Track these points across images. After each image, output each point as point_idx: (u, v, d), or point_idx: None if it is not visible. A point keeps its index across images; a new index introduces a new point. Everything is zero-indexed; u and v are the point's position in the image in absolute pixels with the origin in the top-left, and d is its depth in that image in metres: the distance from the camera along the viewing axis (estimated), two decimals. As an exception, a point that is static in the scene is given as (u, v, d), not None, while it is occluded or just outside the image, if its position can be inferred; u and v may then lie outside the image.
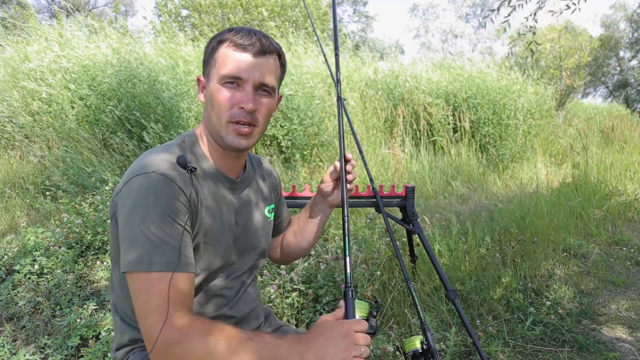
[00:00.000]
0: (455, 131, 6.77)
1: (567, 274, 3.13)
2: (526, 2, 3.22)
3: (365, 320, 0.96)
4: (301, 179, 4.66)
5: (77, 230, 3.13)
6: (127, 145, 4.59)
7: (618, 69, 23.62)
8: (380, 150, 5.73)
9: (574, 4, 3.02)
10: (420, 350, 1.10)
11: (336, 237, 3.18)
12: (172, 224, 0.92)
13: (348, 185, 1.25)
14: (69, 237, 3.10)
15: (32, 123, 4.95)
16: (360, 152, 1.64)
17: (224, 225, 1.09)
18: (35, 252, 2.93)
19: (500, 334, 2.37)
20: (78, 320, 2.27)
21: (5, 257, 3.04)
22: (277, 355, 0.88)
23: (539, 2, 3.19)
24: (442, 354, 2.10)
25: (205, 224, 1.03)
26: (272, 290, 2.36)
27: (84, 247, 3.10)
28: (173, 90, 4.98)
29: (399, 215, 2.30)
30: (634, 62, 23.11)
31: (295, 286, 2.44)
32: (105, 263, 2.93)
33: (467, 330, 1.65)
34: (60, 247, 2.98)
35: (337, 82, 1.42)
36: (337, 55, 1.44)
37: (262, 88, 1.04)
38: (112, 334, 2.04)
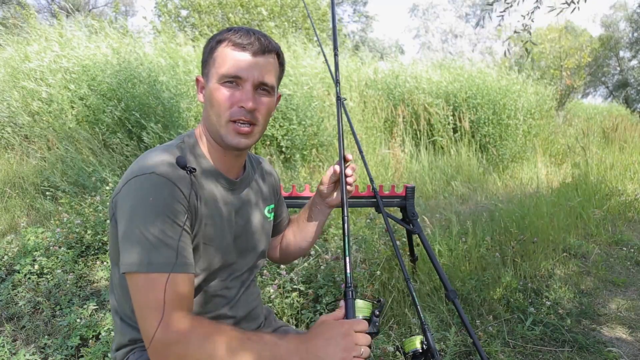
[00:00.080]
0: (455, 131, 6.77)
1: (567, 274, 3.13)
2: (522, 0, 3.22)
3: (368, 320, 0.96)
4: (301, 179, 4.66)
5: (77, 230, 3.13)
6: (127, 145, 4.59)
7: (618, 69, 23.62)
8: (380, 150, 5.73)
9: (573, 2, 3.02)
10: (420, 350, 1.10)
11: (336, 237, 3.18)
12: (171, 225, 0.92)
13: (348, 187, 1.25)
14: (69, 237, 3.10)
15: (32, 123, 4.95)
16: (360, 152, 1.64)
17: (224, 226, 1.09)
18: (35, 252, 2.93)
19: (500, 334, 2.37)
20: (78, 320, 2.27)
21: (5, 257, 3.04)
22: (277, 355, 0.88)
23: (536, 1, 3.19)
24: (442, 354, 2.10)
25: (205, 225, 1.03)
26: (272, 290, 2.36)
27: (84, 247, 3.10)
28: (173, 91, 4.98)
29: (399, 215, 2.30)
30: (634, 62, 23.11)
31: (295, 286, 2.44)
32: (105, 263, 2.93)
33: (467, 330, 1.65)
34: (60, 247, 2.98)
35: (337, 82, 1.42)
36: (336, 55, 1.44)
37: (261, 87, 1.04)
38: (112, 334, 2.04)
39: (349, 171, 1.25)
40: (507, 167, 6.65)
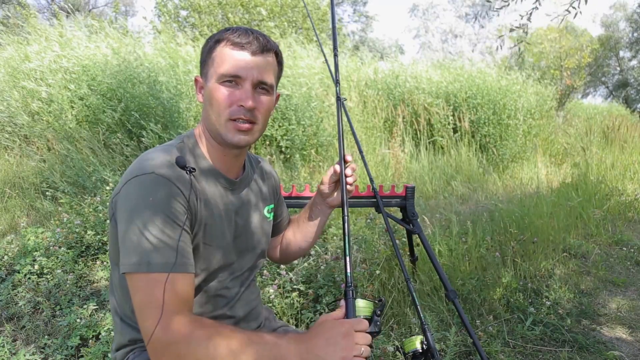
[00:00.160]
0: (455, 131, 6.77)
1: (567, 274, 3.13)
2: (521, 1, 3.22)
3: (370, 319, 0.96)
4: (301, 179, 4.66)
5: (77, 230, 3.13)
6: (127, 145, 4.59)
7: (618, 69, 23.63)
8: (380, 150, 5.74)
9: (573, 7, 3.02)
10: (420, 350, 1.10)
11: (336, 237, 3.18)
12: (170, 225, 0.92)
13: (348, 187, 1.25)
14: (69, 237, 3.10)
15: (31, 123, 4.95)
16: (360, 152, 1.64)
17: (224, 226, 1.09)
18: (35, 252, 2.93)
19: (500, 334, 2.37)
20: (78, 320, 2.27)
21: (5, 257, 3.04)
22: (277, 355, 0.88)
23: (535, 1, 3.19)
24: (442, 354, 2.10)
25: (205, 225, 1.03)
26: (272, 290, 2.36)
27: (84, 247, 3.10)
28: (173, 91, 4.98)
29: (399, 215, 2.30)
30: (634, 62, 23.12)
31: (295, 286, 2.44)
32: (105, 263, 2.93)
33: (467, 330, 1.65)
34: (60, 247, 2.98)
35: (337, 83, 1.42)
36: (336, 55, 1.44)
37: (260, 86, 1.04)
38: (112, 334, 2.04)
39: (348, 171, 1.25)
40: (507, 167, 6.65)
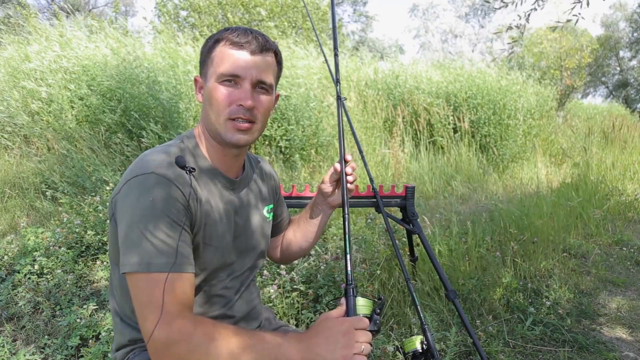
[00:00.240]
0: (455, 131, 6.77)
1: (567, 274, 3.13)
2: (521, 2, 3.22)
3: (369, 318, 0.96)
4: (301, 179, 4.66)
5: (77, 230, 3.13)
6: (127, 145, 4.59)
7: (618, 68, 23.63)
8: (380, 150, 5.74)
9: (574, 15, 3.02)
10: (420, 350, 1.10)
11: (336, 237, 3.18)
12: (170, 225, 0.92)
13: (349, 185, 1.25)
14: (69, 237, 3.10)
15: (31, 123, 4.95)
16: (360, 151, 1.64)
17: (223, 225, 1.09)
18: (35, 252, 2.93)
19: (500, 334, 2.37)
20: (78, 320, 2.26)
21: (5, 257, 3.04)
22: (277, 354, 0.88)
23: (534, 2, 3.20)
24: (442, 354, 2.10)
25: (205, 224, 1.03)
26: (272, 290, 2.36)
27: (84, 247, 3.10)
28: (172, 91, 4.98)
29: (399, 215, 2.30)
30: (633, 62, 23.13)
31: (295, 286, 2.44)
32: (105, 263, 2.93)
33: (467, 330, 1.65)
34: (60, 247, 2.98)
35: (337, 82, 1.42)
36: (336, 55, 1.44)
37: (259, 85, 1.04)
38: (112, 334, 2.04)
39: (348, 170, 1.26)
40: (507, 167, 6.65)
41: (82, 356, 2.08)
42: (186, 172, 0.97)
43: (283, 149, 5.34)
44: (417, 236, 2.09)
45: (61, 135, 4.76)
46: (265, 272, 2.55)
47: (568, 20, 3.07)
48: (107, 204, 3.32)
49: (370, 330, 0.93)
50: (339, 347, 0.86)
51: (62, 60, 5.22)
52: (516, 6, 3.24)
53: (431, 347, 1.11)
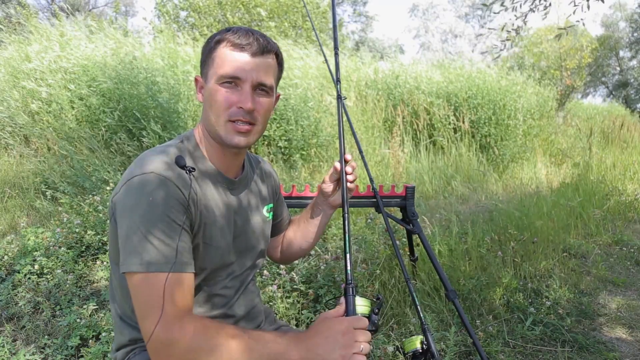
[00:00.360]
0: (455, 131, 6.77)
1: (567, 274, 3.13)
2: (520, 6, 3.23)
3: (367, 317, 0.96)
4: (302, 179, 4.66)
5: (77, 230, 3.13)
6: (127, 145, 4.59)
7: (618, 68, 23.63)
8: (380, 150, 5.74)
9: (577, 21, 3.02)
10: (420, 350, 1.10)
11: (336, 237, 3.18)
12: (170, 225, 0.92)
13: (349, 185, 1.26)
14: (69, 237, 3.10)
15: (31, 123, 4.95)
16: (360, 151, 1.64)
17: (223, 225, 1.09)
18: (35, 252, 2.93)
19: (500, 334, 2.37)
20: (78, 320, 2.26)
21: (5, 257, 3.04)
22: (277, 354, 0.88)
23: (532, 4, 3.20)
24: (442, 354, 2.10)
25: (204, 224, 1.03)
26: (272, 290, 2.36)
27: (84, 247, 3.10)
28: (171, 92, 4.97)
29: (399, 215, 2.30)
30: (634, 62, 23.13)
31: (295, 286, 2.44)
32: (105, 263, 2.93)
33: (467, 330, 1.65)
34: (60, 247, 2.98)
35: (337, 81, 1.42)
36: (336, 54, 1.44)
37: (260, 88, 1.04)
38: (112, 334, 2.04)
39: (348, 169, 1.26)
40: (507, 167, 6.65)
41: (82, 356, 2.07)
42: (186, 172, 0.97)
43: (283, 149, 5.34)
44: (417, 236, 2.09)
45: (61, 135, 4.76)
46: (265, 272, 2.55)
47: (571, 26, 3.08)
48: (107, 203, 3.32)
49: (368, 330, 0.93)
50: (339, 346, 0.87)
51: (62, 61, 5.22)
52: (515, 9, 3.24)
53: (431, 347, 1.11)
